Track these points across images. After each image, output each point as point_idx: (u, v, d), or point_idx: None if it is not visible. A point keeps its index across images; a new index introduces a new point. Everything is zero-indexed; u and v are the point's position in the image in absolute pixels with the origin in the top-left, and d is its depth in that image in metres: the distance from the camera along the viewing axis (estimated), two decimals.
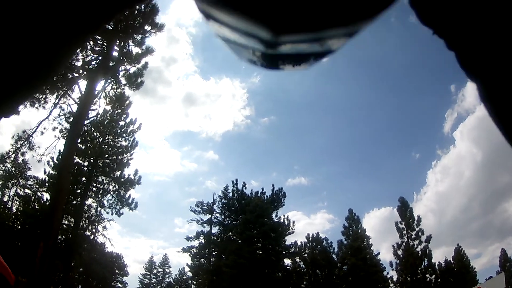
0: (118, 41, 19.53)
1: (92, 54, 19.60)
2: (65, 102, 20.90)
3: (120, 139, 29.26)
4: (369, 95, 69.79)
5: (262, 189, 34.40)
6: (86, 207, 27.61)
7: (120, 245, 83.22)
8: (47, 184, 28.48)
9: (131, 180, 28.27)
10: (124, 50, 20.41)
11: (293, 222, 31.85)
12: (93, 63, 19.57)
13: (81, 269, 29.09)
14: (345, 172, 70.69)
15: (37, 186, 30.05)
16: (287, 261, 31.18)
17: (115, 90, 22.50)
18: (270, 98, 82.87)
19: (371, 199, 72.22)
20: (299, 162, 70.50)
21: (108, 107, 25.55)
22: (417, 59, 66.78)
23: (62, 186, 18.28)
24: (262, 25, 0.43)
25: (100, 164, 28.25)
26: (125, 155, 28.94)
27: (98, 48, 19.38)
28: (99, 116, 24.70)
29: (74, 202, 26.92)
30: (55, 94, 19.96)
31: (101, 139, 28.63)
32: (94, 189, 28.04)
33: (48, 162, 27.30)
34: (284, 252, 30.07)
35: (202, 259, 35.22)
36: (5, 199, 31.98)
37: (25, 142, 20.24)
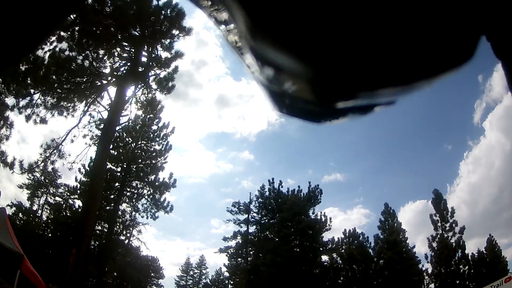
0: (146, 47, 19.51)
1: (120, 61, 19.74)
2: (94, 109, 21.16)
3: (153, 143, 29.54)
4: None
5: (299, 186, 34.33)
6: (120, 212, 28.01)
7: (156, 248, 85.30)
8: (78, 191, 29.04)
9: (166, 183, 28.42)
10: (153, 55, 20.37)
11: (330, 218, 32.02)
12: (122, 69, 19.70)
13: (115, 273, 29.50)
14: (380, 167, 68.89)
15: (68, 193, 30.58)
16: (325, 258, 31.40)
17: (146, 95, 22.61)
18: None
19: (406, 192, 71.11)
20: (334, 159, 68.64)
21: (140, 112, 25.86)
22: None
23: (94, 192, 18.48)
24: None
25: (134, 169, 28.58)
26: (159, 159, 29.15)
27: (126, 55, 19.48)
28: (130, 121, 24.97)
29: (108, 207, 27.35)
30: (84, 102, 20.24)
31: (134, 144, 29.00)
32: (128, 194, 28.41)
33: (79, 169, 27.78)
34: (321, 249, 30.23)
35: (239, 259, 35.38)
36: (35, 207, 32.22)
37: (55, 151, 20.56)
